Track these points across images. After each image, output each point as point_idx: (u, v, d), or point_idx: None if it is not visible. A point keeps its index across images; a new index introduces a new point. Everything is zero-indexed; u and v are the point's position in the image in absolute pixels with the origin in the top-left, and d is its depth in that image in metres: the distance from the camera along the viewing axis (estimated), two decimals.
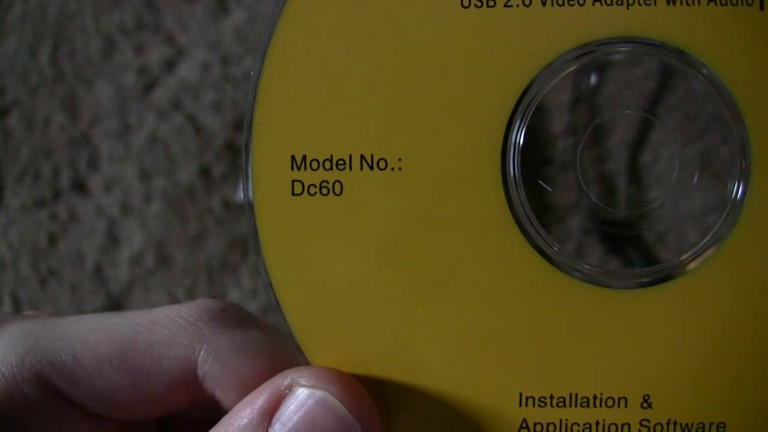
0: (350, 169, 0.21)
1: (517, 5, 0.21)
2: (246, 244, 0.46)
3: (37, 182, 0.49)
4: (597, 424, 0.22)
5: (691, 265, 0.21)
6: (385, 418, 0.22)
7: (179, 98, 0.48)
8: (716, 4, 0.20)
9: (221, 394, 0.22)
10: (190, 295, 0.47)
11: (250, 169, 0.22)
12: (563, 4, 0.21)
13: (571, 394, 0.22)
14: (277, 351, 0.22)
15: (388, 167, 0.21)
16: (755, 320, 0.21)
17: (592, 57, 0.21)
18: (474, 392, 0.22)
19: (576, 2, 0.21)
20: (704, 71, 0.21)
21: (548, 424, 0.22)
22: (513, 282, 0.21)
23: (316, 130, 0.21)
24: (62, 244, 0.48)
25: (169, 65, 0.49)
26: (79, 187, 0.49)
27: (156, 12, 0.49)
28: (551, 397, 0.22)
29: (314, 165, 0.21)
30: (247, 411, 0.21)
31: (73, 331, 0.23)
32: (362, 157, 0.21)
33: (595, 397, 0.22)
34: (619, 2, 0.21)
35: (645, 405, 0.21)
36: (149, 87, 0.48)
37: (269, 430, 0.21)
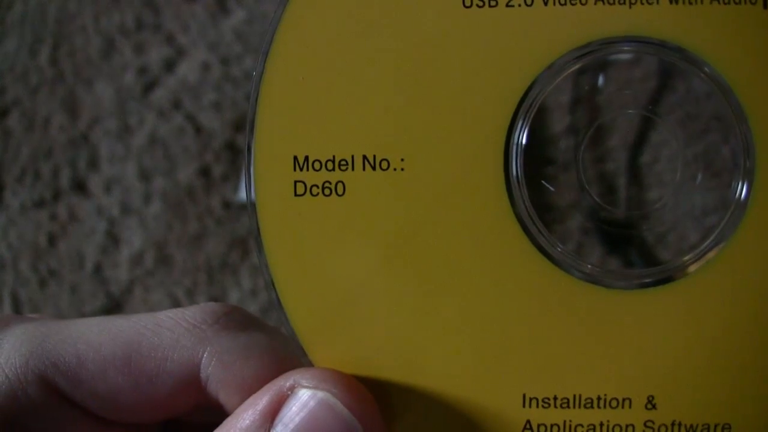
0: (353, 169, 0.21)
1: (519, 5, 0.21)
2: (246, 245, 0.46)
3: (37, 182, 0.49)
4: (601, 425, 0.22)
5: (695, 266, 0.21)
6: (387, 419, 0.22)
7: (179, 98, 0.48)
8: (719, 2, 0.20)
9: (224, 396, 0.22)
10: (190, 295, 0.47)
11: (252, 170, 0.22)
12: (565, 4, 0.21)
13: (575, 395, 0.22)
14: (281, 353, 0.22)
15: (391, 167, 0.21)
16: (759, 321, 0.21)
17: (595, 56, 0.21)
18: (477, 393, 0.22)
19: (578, 2, 0.21)
20: (707, 70, 0.21)
21: (552, 425, 0.22)
22: (516, 282, 0.21)
23: (318, 130, 0.21)
24: (62, 244, 0.48)
25: (169, 65, 0.49)
26: (79, 187, 0.49)
27: (156, 12, 0.49)
28: (555, 398, 0.22)
29: (317, 165, 0.21)
30: (249, 412, 0.21)
31: (77, 333, 0.23)
32: (365, 157, 0.21)
33: (599, 398, 0.21)
34: (622, 1, 0.21)
35: (649, 406, 0.21)
36: (149, 87, 0.48)
37: (271, 431, 0.21)
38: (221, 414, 0.22)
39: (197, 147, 0.47)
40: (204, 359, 0.22)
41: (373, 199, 0.21)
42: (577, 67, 0.21)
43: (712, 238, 0.21)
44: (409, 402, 0.22)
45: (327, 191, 0.21)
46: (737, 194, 0.21)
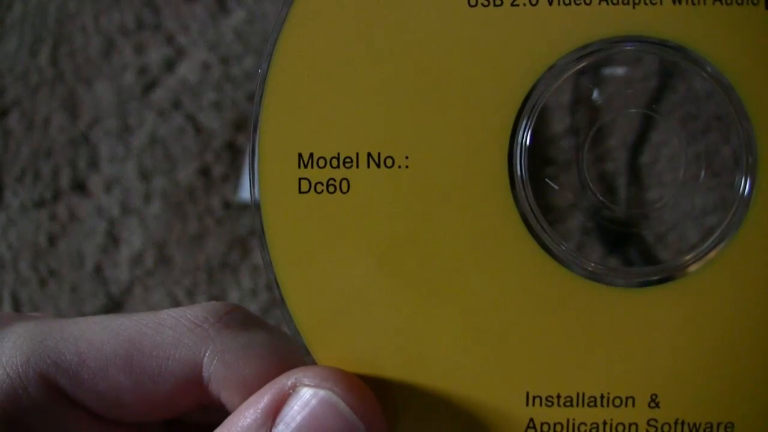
0: (357, 166, 0.21)
1: (524, 4, 0.21)
2: (246, 244, 0.46)
3: (37, 182, 0.49)
4: (604, 423, 0.22)
5: (697, 264, 0.21)
6: (389, 417, 0.22)
7: (179, 98, 0.48)
8: (721, 3, 0.20)
9: (226, 395, 0.22)
10: (190, 295, 0.47)
11: (257, 167, 0.22)
12: (569, 3, 0.21)
13: (578, 394, 0.22)
14: (283, 352, 0.22)
15: (395, 165, 0.21)
16: (762, 319, 0.21)
17: (598, 56, 0.21)
18: (480, 392, 0.22)
19: (582, 1, 0.21)
20: (709, 69, 0.21)
21: (555, 424, 0.22)
22: (520, 280, 0.21)
23: (323, 128, 0.21)
24: (62, 244, 0.48)
25: (169, 65, 0.49)
26: (79, 187, 0.49)
27: (156, 12, 0.49)
28: (558, 397, 0.22)
29: (321, 163, 0.21)
30: (251, 411, 0.21)
31: (79, 331, 0.23)
32: (369, 155, 0.21)
33: (602, 397, 0.21)
34: (625, 2, 0.21)
35: (653, 405, 0.21)
36: (149, 87, 0.48)
37: (273, 430, 0.21)
38: (223, 413, 0.22)
39: (197, 147, 0.47)
40: (206, 358, 0.22)
41: (378, 196, 0.21)
42: (581, 65, 0.21)
43: (714, 236, 0.21)
44: (411, 400, 0.22)
45: (331, 188, 0.21)
46: (740, 192, 0.21)
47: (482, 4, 0.21)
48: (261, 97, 0.21)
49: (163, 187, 0.48)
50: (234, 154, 0.47)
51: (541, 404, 0.22)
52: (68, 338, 0.22)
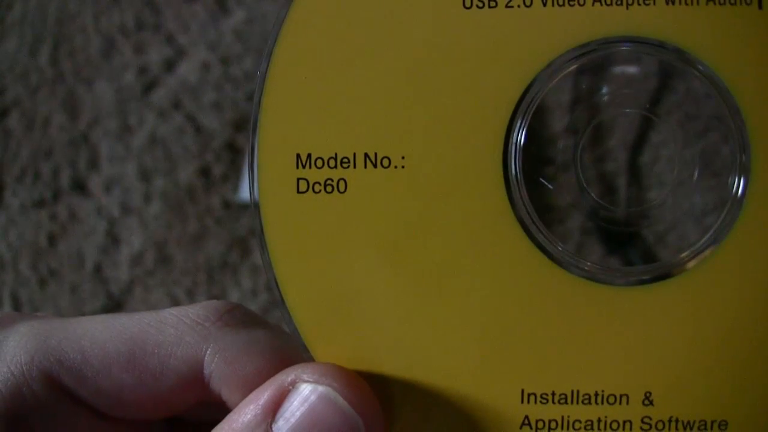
0: (354, 167, 0.22)
1: (518, 6, 0.21)
2: (246, 244, 0.46)
3: (37, 182, 0.49)
4: (599, 421, 0.22)
5: (693, 263, 0.21)
6: (387, 413, 0.22)
7: (179, 98, 0.48)
8: (715, 3, 0.21)
9: (227, 393, 0.22)
10: (190, 295, 0.47)
11: (255, 167, 0.22)
12: (563, 5, 0.21)
13: (572, 391, 0.22)
14: (284, 350, 0.23)
15: (392, 165, 0.21)
16: (757, 317, 0.21)
17: (592, 56, 0.21)
18: (476, 389, 0.22)
19: (576, 2, 0.21)
20: (701, 68, 0.21)
21: (550, 421, 0.22)
22: (515, 279, 0.22)
23: (320, 128, 0.21)
24: (62, 244, 0.48)
25: (169, 65, 0.49)
26: (79, 187, 0.49)
27: (156, 12, 0.49)
28: (553, 394, 0.22)
29: (319, 163, 0.22)
30: (251, 407, 0.21)
31: (82, 330, 0.23)
32: (366, 155, 0.21)
33: (596, 394, 0.22)
34: (619, 2, 0.21)
35: (646, 402, 0.22)
36: (149, 87, 0.49)
37: (273, 426, 0.21)
38: (224, 410, 0.23)
39: (197, 147, 0.47)
40: (207, 356, 0.22)
41: (375, 196, 0.22)
42: (575, 66, 0.21)
43: (709, 235, 0.21)
44: (409, 397, 0.22)
45: (329, 188, 0.22)
46: (734, 191, 0.21)
47: (477, 6, 0.21)
48: (260, 98, 0.22)
49: (163, 187, 0.48)
50: (234, 154, 0.47)
51: (536, 401, 0.22)
52: (71, 337, 0.23)
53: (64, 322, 0.23)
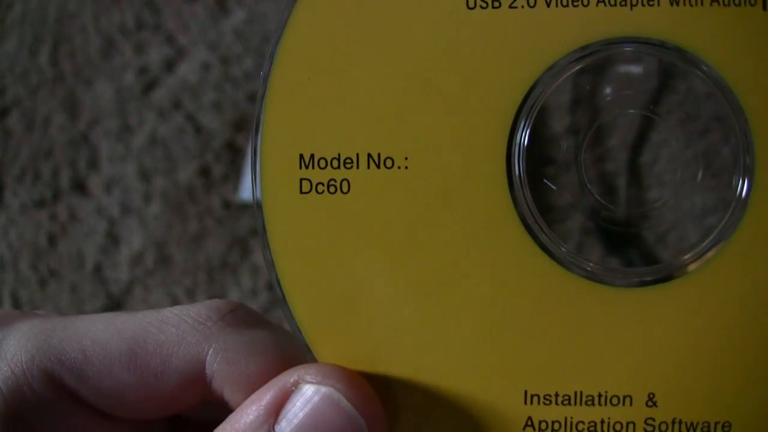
0: (357, 167, 0.22)
1: (522, 6, 0.21)
2: (246, 244, 0.46)
3: (37, 182, 0.49)
4: (602, 422, 0.22)
5: (695, 264, 0.21)
6: (390, 414, 0.22)
7: (179, 98, 0.48)
8: (719, 4, 0.21)
9: (229, 393, 0.22)
10: (190, 295, 0.47)
11: (258, 168, 0.22)
12: (567, 5, 0.21)
13: (576, 392, 0.22)
14: (286, 351, 0.22)
15: (395, 166, 0.21)
16: (760, 319, 0.21)
17: (596, 57, 0.21)
18: (479, 390, 0.22)
19: (580, 3, 0.21)
20: (706, 70, 0.21)
21: (553, 422, 0.22)
22: (518, 280, 0.22)
23: (324, 129, 0.22)
24: (62, 244, 0.48)
25: (169, 65, 0.49)
26: (79, 187, 0.49)
27: (156, 12, 0.49)
28: (556, 395, 0.22)
29: (322, 163, 0.22)
30: (254, 408, 0.21)
31: (83, 329, 0.23)
32: (369, 155, 0.21)
33: (600, 395, 0.22)
34: (623, 3, 0.21)
35: (650, 403, 0.22)
36: (149, 87, 0.49)
37: (275, 426, 0.21)
38: (226, 410, 0.23)
39: (197, 147, 0.47)
40: (209, 356, 0.22)
41: (378, 196, 0.22)
42: (579, 67, 0.21)
43: (712, 236, 0.21)
44: (411, 398, 0.22)
45: (332, 189, 0.22)
46: (738, 192, 0.21)
47: (480, 6, 0.21)
48: (263, 98, 0.22)
49: (163, 187, 0.48)
50: (234, 154, 0.47)
51: (539, 402, 0.22)
52: (72, 336, 0.23)
53: (66, 320, 0.23)
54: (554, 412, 0.22)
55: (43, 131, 0.49)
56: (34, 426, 0.22)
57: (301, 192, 0.22)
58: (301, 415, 0.21)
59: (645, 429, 0.22)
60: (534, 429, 0.22)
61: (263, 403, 0.21)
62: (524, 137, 0.21)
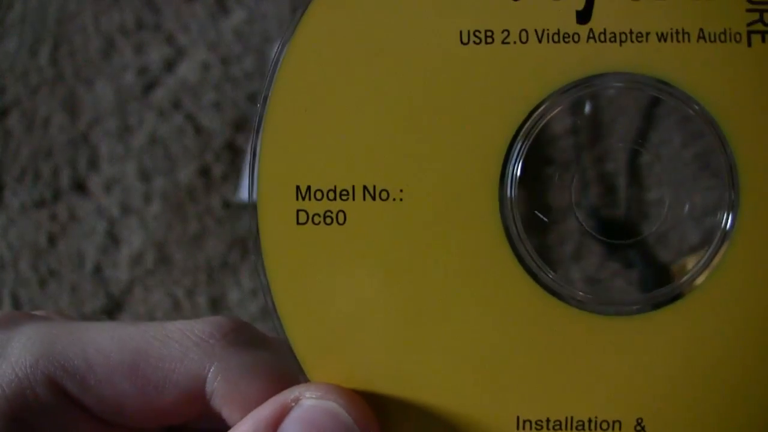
0: (353, 199, 0.22)
1: (514, 42, 0.21)
2: (246, 244, 0.46)
3: (37, 182, 0.49)
4: None
5: (684, 293, 0.22)
6: None
7: (179, 98, 0.48)
8: (705, 41, 0.21)
9: (228, 412, 0.23)
10: (190, 295, 0.47)
11: (255, 198, 0.22)
12: (558, 41, 0.21)
13: (566, 418, 0.22)
14: (287, 373, 0.23)
15: (390, 198, 0.22)
16: (747, 346, 0.21)
17: (587, 91, 0.21)
18: (472, 416, 0.22)
19: (571, 39, 0.21)
20: (694, 106, 0.21)
21: None
22: (510, 308, 0.22)
23: (320, 161, 0.22)
24: (62, 244, 0.48)
25: (169, 65, 0.49)
26: (79, 187, 0.49)
27: (156, 12, 0.49)
28: (547, 421, 0.22)
29: (318, 195, 0.22)
30: (252, 422, 0.22)
31: (88, 337, 0.23)
32: (365, 187, 0.22)
33: (590, 421, 0.22)
34: (613, 39, 0.21)
35: (638, 428, 0.22)
36: (149, 87, 0.49)
37: None
38: (225, 423, 0.23)
39: (197, 147, 0.47)
40: (210, 374, 0.22)
41: (373, 228, 0.22)
42: (569, 101, 0.22)
43: (700, 264, 0.22)
44: (405, 423, 0.22)
45: (328, 220, 0.22)
46: (721, 227, 0.21)
47: (474, 42, 0.21)
48: (259, 130, 0.22)
49: (163, 187, 0.48)
50: (234, 154, 0.47)
51: (531, 428, 0.22)
52: (77, 343, 0.23)
53: (71, 327, 0.23)
54: None
55: (43, 131, 0.49)
56: (35, 429, 0.22)
57: (298, 223, 0.22)
58: (300, 427, 0.21)
59: None
60: None
61: (262, 417, 0.22)
62: (517, 169, 0.22)
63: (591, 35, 0.21)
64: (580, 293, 0.22)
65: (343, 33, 0.22)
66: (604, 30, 0.21)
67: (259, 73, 0.47)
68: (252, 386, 0.22)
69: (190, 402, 0.23)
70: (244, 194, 0.47)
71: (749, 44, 0.21)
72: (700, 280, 0.22)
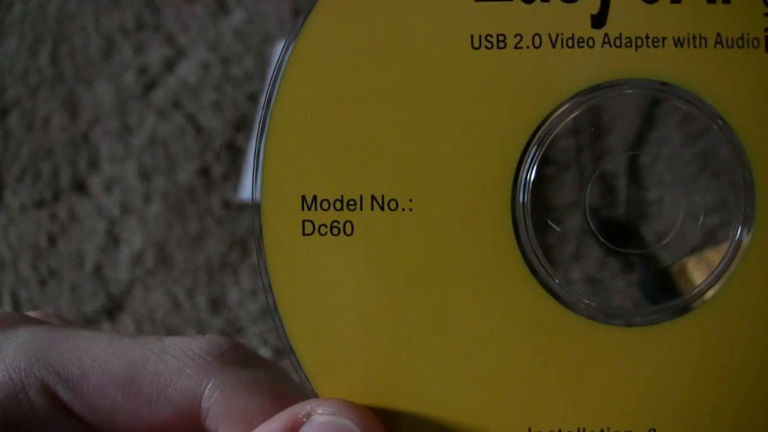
0: (361, 209, 0.21)
1: (527, 47, 0.21)
2: (246, 244, 0.46)
3: (37, 182, 0.49)
4: None
5: (695, 305, 0.22)
6: None
7: (179, 98, 0.48)
8: (723, 46, 0.21)
9: (224, 430, 0.22)
10: (190, 295, 0.47)
11: (260, 209, 0.22)
12: (573, 46, 0.21)
13: (579, 429, 0.22)
14: (285, 390, 0.23)
15: (399, 208, 0.21)
16: (761, 356, 0.21)
17: (601, 98, 0.21)
18: (484, 427, 0.22)
19: (585, 44, 0.21)
20: (710, 112, 0.21)
21: None
22: (521, 319, 0.22)
23: (326, 170, 0.21)
24: (62, 244, 0.48)
25: (169, 65, 0.49)
26: (79, 187, 0.49)
27: (156, 12, 0.49)
28: None
29: (325, 205, 0.21)
30: None
31: (84, 346, 0.23)
32: (373, 197, 0.21)
33: (602, 431, 0.22)
34: (628, 44, 0.21)
35: None
36: (149, 87, 0.49)
37: None
38: None
39: (197, 147, 0.47)
40: (207, 390, 0.22)
41: (381, 238, 0.21)
42: (584, 108, 0.21)
43: (712, 276, 0.21)
44: None
45: (335, 230, 0.22)
46: (736, 238, 0.21)
47: (485, 47, 0.21)
48: (263, 139, 0.21)
49: (163, 187, 0.48)
50: (234, 154, 0.47)
51: None
52: (73, 350, 0.23)
53: (68, 333, 0.23)
54: None
55: (43, 131, 0.49)
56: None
57: (304, 234, 0.22)
58: None
59: None
60: None
61: (274, 431, 0.21)
62: (530, 178, 0.21)
63: (606, 40, 0.21)
64: (593, 304, 0.22)
65: (349, 36, 0.22)
66: (620, 35, 0.21)
67: (259, 73, 0.47)
68: (251, 403, 0.22)
69: (184, 419, 0.23)
70: (245, 193, 0.47)
71: (767, 50, 0.20)
72: (712, 293, 0.21)
